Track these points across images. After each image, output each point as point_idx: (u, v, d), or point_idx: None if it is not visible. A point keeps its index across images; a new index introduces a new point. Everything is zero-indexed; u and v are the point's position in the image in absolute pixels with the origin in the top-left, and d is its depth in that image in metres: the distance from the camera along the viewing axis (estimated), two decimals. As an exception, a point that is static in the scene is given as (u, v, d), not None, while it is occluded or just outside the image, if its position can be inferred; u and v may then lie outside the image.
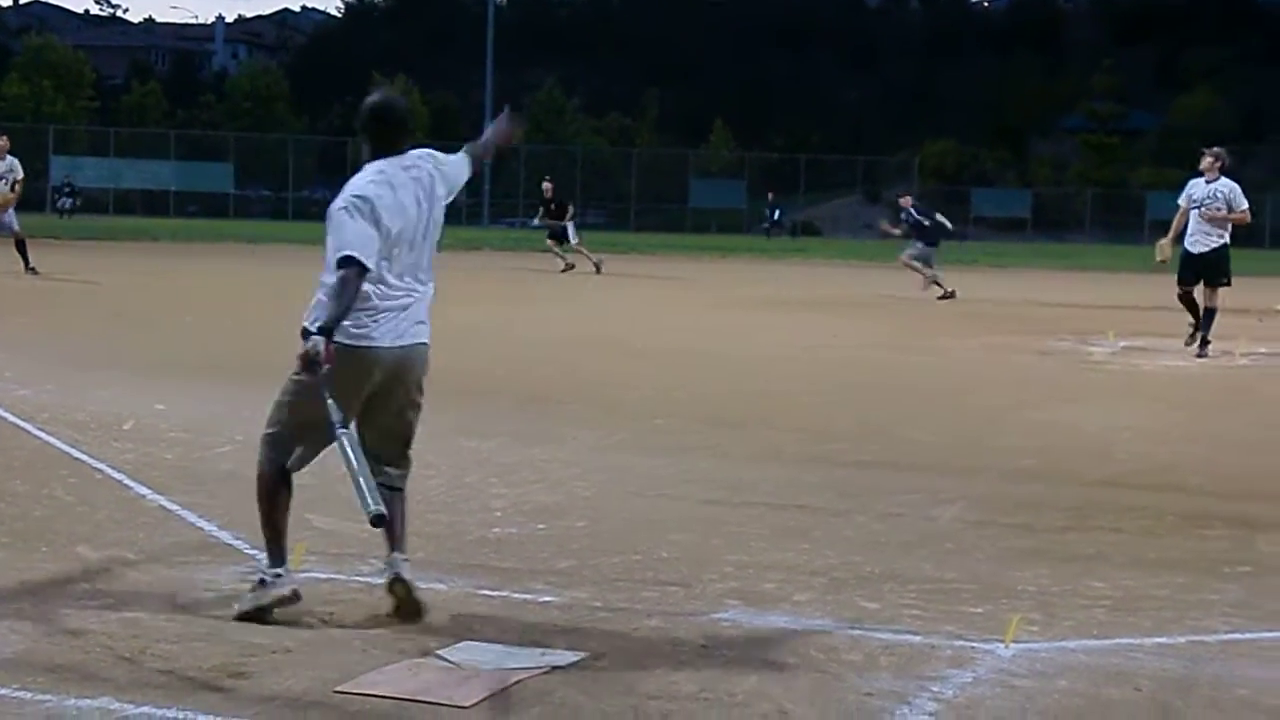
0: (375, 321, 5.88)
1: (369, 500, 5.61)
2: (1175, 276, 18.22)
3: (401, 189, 6.02)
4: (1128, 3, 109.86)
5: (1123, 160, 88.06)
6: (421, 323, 6.06)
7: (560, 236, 34.00)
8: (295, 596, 5.91)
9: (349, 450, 5.73)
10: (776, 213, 72.77)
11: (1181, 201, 18.07)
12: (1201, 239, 17.90)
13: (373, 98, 6.24)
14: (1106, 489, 9.33)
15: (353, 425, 5.93)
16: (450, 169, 6.34)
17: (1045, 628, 6.10)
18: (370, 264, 5.77)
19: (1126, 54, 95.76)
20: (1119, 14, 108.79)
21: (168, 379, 13.10)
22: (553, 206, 34.19)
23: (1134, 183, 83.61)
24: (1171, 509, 8.65)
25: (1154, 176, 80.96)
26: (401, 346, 5.97)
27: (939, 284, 27.13)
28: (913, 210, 27.94)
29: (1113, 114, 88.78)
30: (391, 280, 5.92)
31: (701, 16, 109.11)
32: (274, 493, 6.03)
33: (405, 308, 5.97)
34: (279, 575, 5.93)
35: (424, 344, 6.09)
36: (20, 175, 26.04)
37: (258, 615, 5.85)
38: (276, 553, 5.99)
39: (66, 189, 69.78)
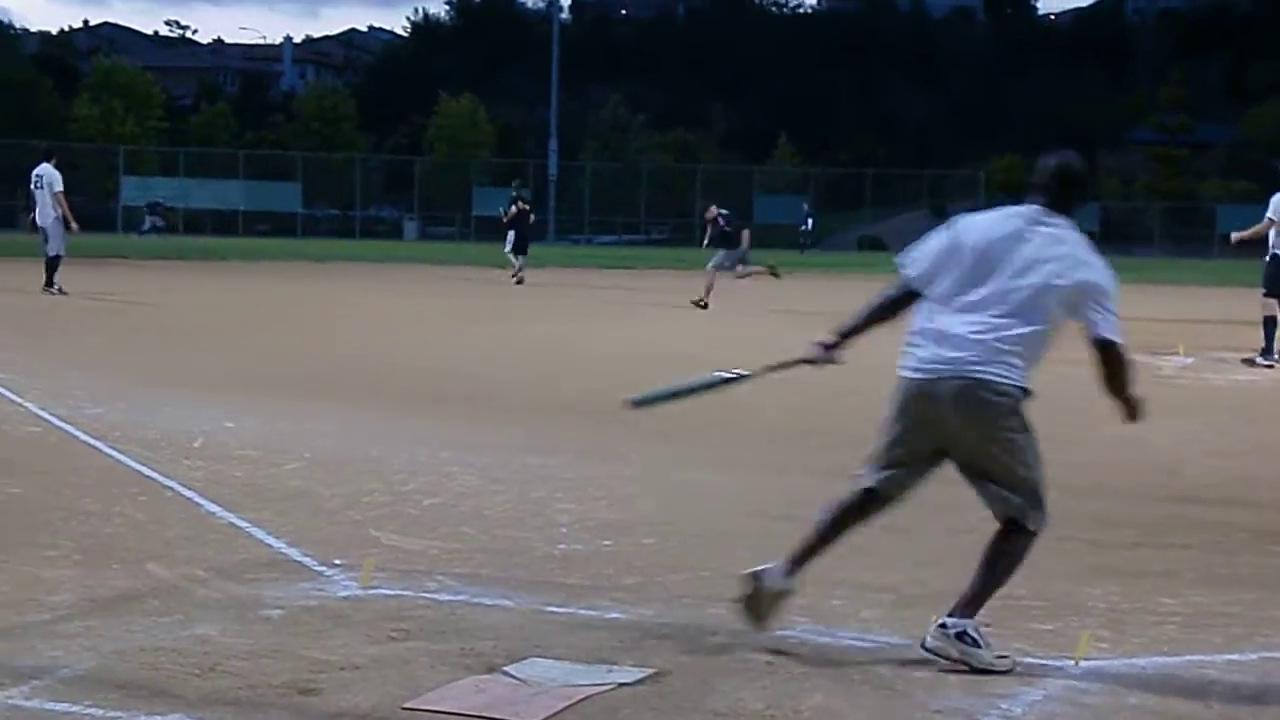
0: (912, 346, 5.91)
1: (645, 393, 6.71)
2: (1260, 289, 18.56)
3: (999, 224, 5.94)
4: (1195, 14, 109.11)
5: (1192, 173, 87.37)
6: (974, 357, 5.73)
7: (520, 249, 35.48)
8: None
9: (690, 382, 6.80)
10: (809, 222, 71.25)
11: None
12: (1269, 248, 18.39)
13: (1053, 159, 6.05)
14: (1177, 504, 9.26)
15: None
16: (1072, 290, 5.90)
17: (1115, 644, 6.06)
18: (908, 271, 5.97)
19: (1195, 66, 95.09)
20: (1187, 25, 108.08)
21: (237, 397, 13.19)
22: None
23: (1203, 195, 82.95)
24: (1242, 525, 8.58)
25: (1223, 189, 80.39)
26: (932, 378, 5.81)
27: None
28: (721, 219, 28.87)
29: (1181, 126, 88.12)
30: (935, 305, 5.88)
31: (766, 31, 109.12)
32: (842, 506, 6.15)
33: (945, 336, 5.78)
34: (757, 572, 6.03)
35: (972, 379, 5.73)
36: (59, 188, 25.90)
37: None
38: (795, 558, 6.07)
39: (156, 207, 70.45)
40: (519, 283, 33.89)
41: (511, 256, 35.35)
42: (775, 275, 30.08)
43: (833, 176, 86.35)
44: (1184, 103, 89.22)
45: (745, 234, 29.11)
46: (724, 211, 29.27)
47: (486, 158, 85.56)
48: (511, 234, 35.50)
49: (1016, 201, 6.03)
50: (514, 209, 35.70)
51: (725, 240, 28.65)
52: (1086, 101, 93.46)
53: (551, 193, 78.45)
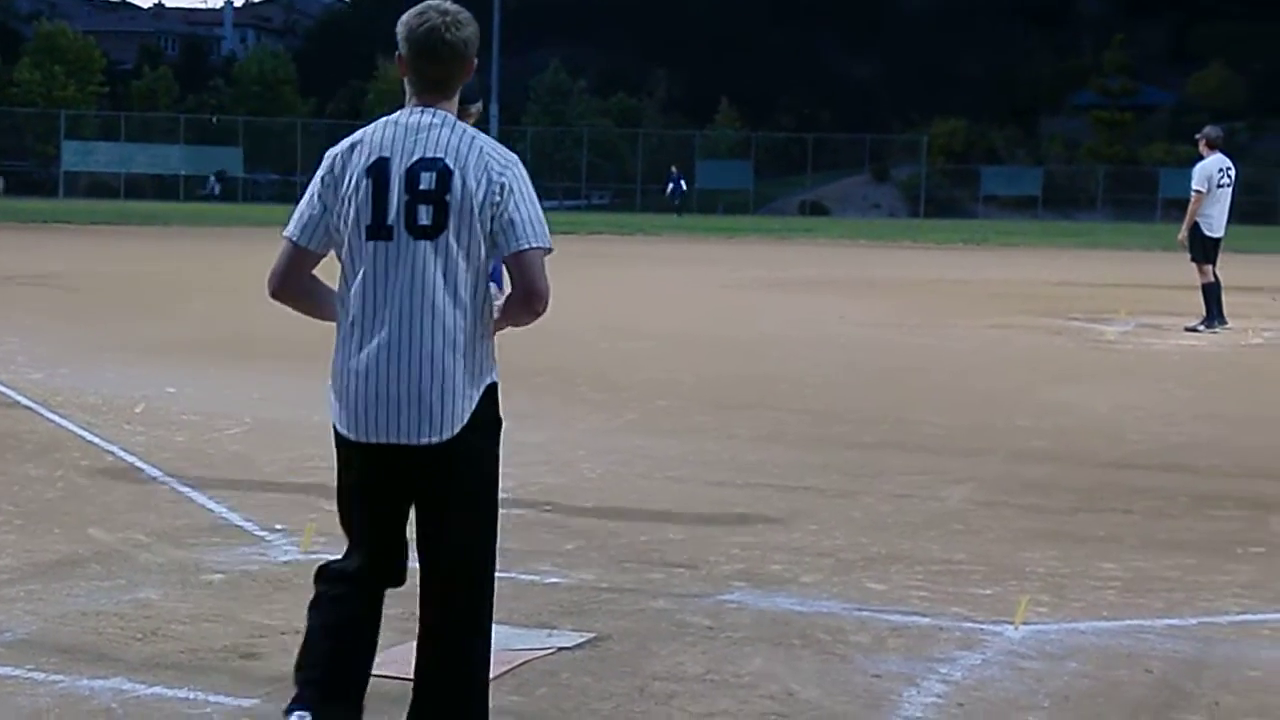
0: None
1: None
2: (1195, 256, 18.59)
3: None
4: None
5: (1135, 137, 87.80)
6: None
7: None
8: None
9: None
10: (676, 184, 68.73)
11: None
12: None
13: None
14: (1117, 470, 9.32)
15: None
16: None
17: (1055, 609, 6.10)
18: None
19: (1139, 29, 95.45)
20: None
21: (177, 362, 13.11)
22: None
23: (1146, 160, 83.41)
24: (1183, 490, 8.64)
25: (1166, 153, 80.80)
26: None
27: None
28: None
29: (1125, 90, 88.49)
30: None
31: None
32: None
33: None
34: None
35: None
36: None
37: None
38: None
39: (222, 174, 76.62)
40: None
41: None
42: None
43: (774, 141, 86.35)
44: (1127, 66, 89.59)
45: None
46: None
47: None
48: None
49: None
50: None
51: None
52: (1030, 65, 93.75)
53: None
